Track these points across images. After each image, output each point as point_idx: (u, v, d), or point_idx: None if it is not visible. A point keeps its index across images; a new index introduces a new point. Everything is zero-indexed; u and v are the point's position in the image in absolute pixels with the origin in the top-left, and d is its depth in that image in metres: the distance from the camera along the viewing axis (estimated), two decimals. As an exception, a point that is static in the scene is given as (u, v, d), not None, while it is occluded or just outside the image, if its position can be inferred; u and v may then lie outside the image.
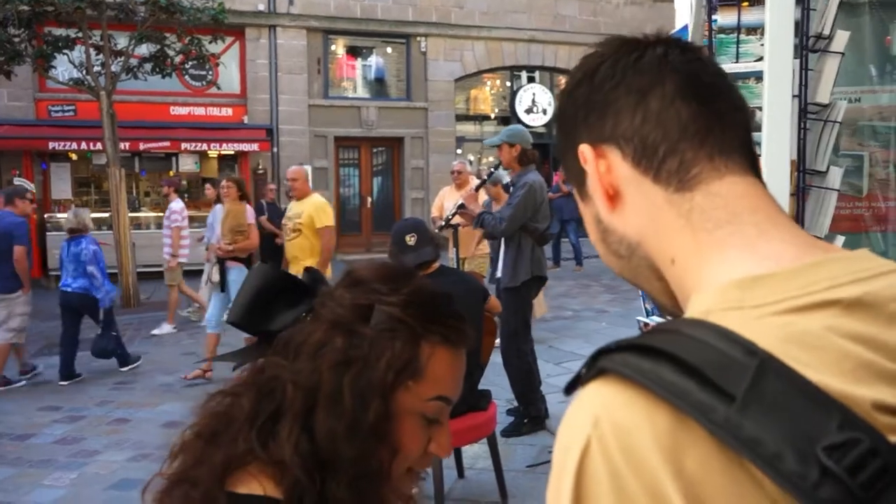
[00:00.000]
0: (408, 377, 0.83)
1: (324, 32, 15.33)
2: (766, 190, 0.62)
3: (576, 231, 12.99)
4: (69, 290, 6.56)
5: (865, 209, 2.35)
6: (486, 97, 17.33)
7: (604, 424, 0.48)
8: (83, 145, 12.82)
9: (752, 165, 0.63)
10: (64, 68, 11.36)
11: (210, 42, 11.34)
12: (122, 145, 11.21)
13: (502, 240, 4.95)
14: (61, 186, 13.61)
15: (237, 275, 6.41)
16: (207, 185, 9.84)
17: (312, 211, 6.02)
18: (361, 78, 16.28)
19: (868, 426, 0.44)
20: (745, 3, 1.57)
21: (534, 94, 17.02)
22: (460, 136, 16.56)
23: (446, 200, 7.59)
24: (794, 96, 1.31)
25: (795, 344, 0.48)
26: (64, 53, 10.63)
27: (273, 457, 0.81)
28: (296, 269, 5.92)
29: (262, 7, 14.69)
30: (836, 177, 1.35)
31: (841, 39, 1.38)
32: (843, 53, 1.37)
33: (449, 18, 15.89)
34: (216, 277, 6.64)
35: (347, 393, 0.81)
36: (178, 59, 11.40)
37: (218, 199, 7.29)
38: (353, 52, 16.09)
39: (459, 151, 16.51)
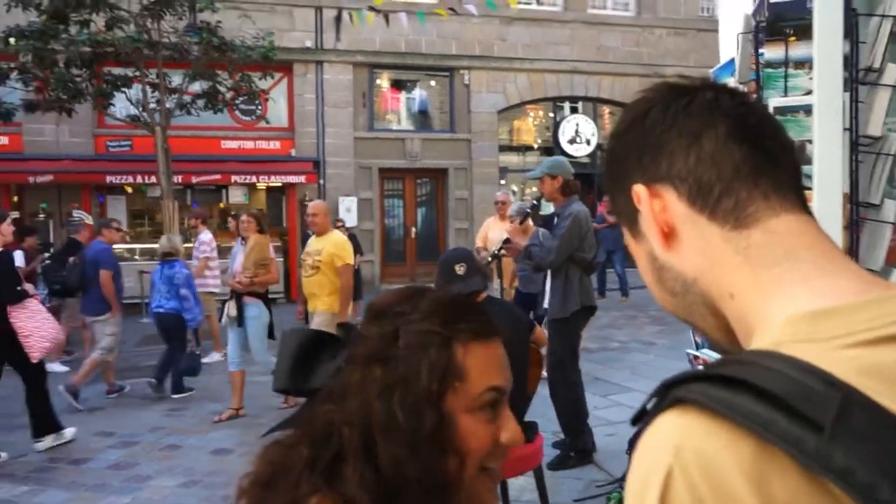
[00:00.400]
0: (452, 380, 0.86)
1: (369, 67, 15.66)
2: (819, 226, 0.64)
3: (622, 261, 12.87)
4: (162, 310, 7.00)
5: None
6: (528, 128, 17.42)
7: (685, 453, 0.49)
8: (138, 178, 13.28)
9: (803, 203, 0.65)
10: (122, 105, 11.83)
11: (259, 78, 11.71)
12: (175, 178, 11.58)
13: (548, 272, 4.95)
14: (117, 218, 14.08)
15: (256, 311, 6.38)
16: (230, 219, 10.07)
17: (332, 248, 5.95)
18: (406, 110, 16.55)
19: None
20: (793, 38, 1.57)
21: (577, 125, 17.04)
22: (503, 167, 16.63)
23: (491, 231, 7.65)
24: (844, 129, 1.31)
25: (871, 376, 0.49)
26: (122, 91, 11.09)
27: (338, 494, 0.82)
28: (313, 306, 6.02)
29: (309, 44, 15.10)
30: (890, 209, 1.33)
31: (891, 72, 1.38)
32: (893, 86, 1.36)
33: (492, 51, 16.09)
34: (233, 312, 6.39)
35: (399, 414, 0.83)
36: (229, 95, 11.78)
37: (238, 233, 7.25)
38: (398, 85, 16.39)
39: (503, 182, 16.57)
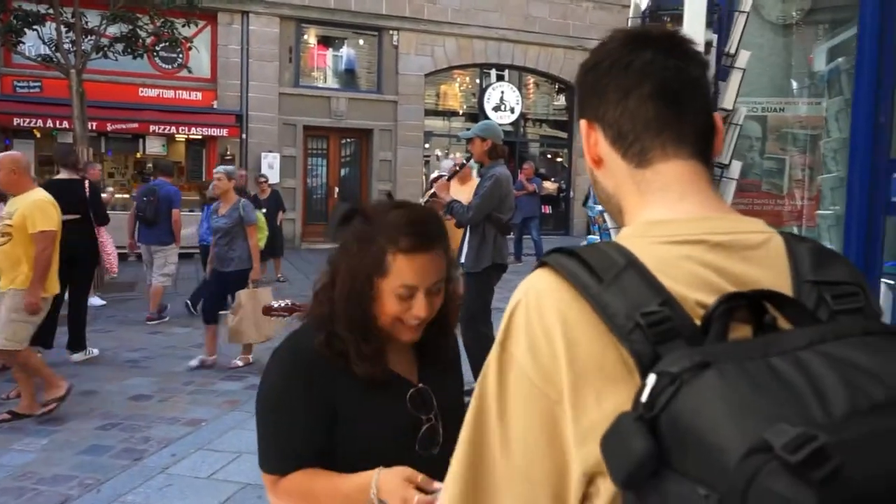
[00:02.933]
0: (379, 273, 1.40)
1: (297, 21, 15.41)
2: (704, 171, 0.86)
3: (538, 228, 13.35)
4: (207, 243, 7.92)
5: (785, 206, 2.66)
6: (455, 93, 17.59)
7: (530, 291, 0.78)
8: (49, 123, 12.74)
9: (700, 153, 0.86)
10: (32, 44, 11.28)
11: (182, 25, 11.37)
12: (89, 125, 11.19)
13: (467, 228, 5.22)
14: (24, 163, 13.49)
15: None
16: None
17: (26, 210, 4.91)
18: (332, 68, 16.40)
19: (679, 307, 0.70)
20: (669, 25, 1.84)
21: (502, 93, 17.33)
22: (428, 131, 16.79)
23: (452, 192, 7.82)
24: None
25: (662, 260, 0.74)
26: (34, 29, 10.57)
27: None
28: (4, 283, 4.88)
29: (235, -8, 14.72)
30: (736, 168, 1.63)
31: (743, 57, 1.66)
32: (744, 70, 1.65)
33: (422, 14, 16.10)
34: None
35: (347, 278, 1.42)
36: (149, 41, 11.40)
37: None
38: (325, 42, 16.20)
39: (427, 145, 16.74)
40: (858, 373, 0.59)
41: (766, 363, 0.61)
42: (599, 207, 2.85)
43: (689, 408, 0.59)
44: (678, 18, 1.71)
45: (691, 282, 0.73)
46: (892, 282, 1.44)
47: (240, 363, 6.42)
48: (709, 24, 1.63)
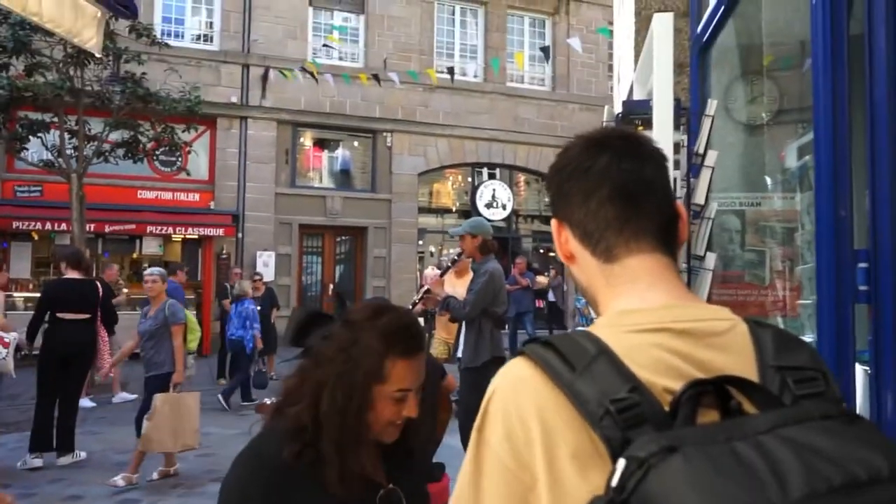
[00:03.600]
0: (377, 381, 1.40)
1: (293, 125, 15.93)
2: (669, 262, 0.93)
3: (532, 322, 13.36)
4: (235, 337, 9.37)
5: (768, 296, 2.72)
6: (448, 191, 17.98)
7: (507, 379, 0.83)
8: (48, 225, 12.92)
9: (663, 244, 0.93)
10: (34, 150, 11.60)
11: (183, 131, 11.76)
12: (87, 227, 11.36)
13: (463, 323, 5.27)
14: (21, 265, 13.56)
15: None
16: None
17: None
18: (328, 169, 16.82)
19: (648, 393, 0.74)
20: (640, 128, 1.96)
21: (494, 190, 17.73)
22: (422, 228, 17.05)
23: (446, 286, 7.89)
24: (676, 199, 1.67)
25: (630, 348, 0.79)
26: (38, 136, 10.89)
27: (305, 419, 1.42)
28: None
29: (234, 99, 15.27)
30: (710, 260, 1.70)
31: (711, 156, 1.77)
32: (712, 167, 1.75)
33: (414, 116, 16.68)
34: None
35: (338, 394, 1.39)
36: (150, 146, 11.73)
37: None
38: (321, 144, 16.69)
39: (421, 242, 16.96)
40: (818, 457, 0.62)
41: (729, 447, 0.64)
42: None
43: (657, 492, 0.62)
44: (648, 122, 1.83)
45: (659, 368, 0.78)
46: (867, 368, 1.48)
47: (155, 476, 5.90)
48: (676, 127, 1.74)
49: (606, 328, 0.84)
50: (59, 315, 6.53)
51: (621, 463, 0.66)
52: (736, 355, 0.82)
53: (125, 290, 11.87)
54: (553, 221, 0.99)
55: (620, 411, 0.71)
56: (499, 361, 5.27)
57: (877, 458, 0.61)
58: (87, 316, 6.59)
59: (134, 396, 9.26)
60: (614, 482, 0.65)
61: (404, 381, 1.41)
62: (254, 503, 1.37)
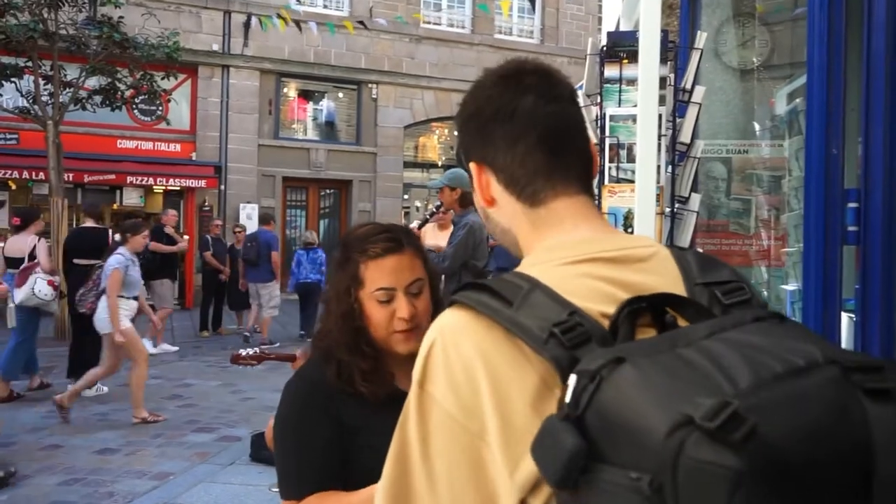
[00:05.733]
0: (356, 284, 1.49)
1: (277, 75, 15.61)
2: (590, 201, 0.94)
3: (517, 277, 13.37)
4: (309, 280, 10.43)
5: (752, 246, 2.68)
6: (433, 145, 17.80)
7: (444, 329, 0.81)
8: (25, 174, 12.67)
9: (585, 186, 0.94)
10: (9, 96, 11.29)
11: (162, 78, 11.46)
12: (65, 176, 11.14)
13: (443, 276, 5.21)
14: (-1, 215, 13.36)
15: None
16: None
17: None
18: (312, 120, 16.56)
19: (587, 317, 0.74)
20: (626, 61, 1.88)
21: (480, 144, 17.56)
22: (407, 182, 16.91)
23: (428, 239, 7.84)
24: (661, 136, 1.59)
25: (563, 279, 0.80)
26: (11, 81, 10.59)
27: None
28: None
29: (216, 47, 14.91)
30: (695, 201, 1.64)
31: (699, 92, 1.69)
32: (700, 104, 1.68)
33: (400, 68, 16.39)
34: None
35: (334, 302, 1.53)
36: (128, 93, 11.45)
37: None
38: (305, 95, 16.39)
39: (406, 196, 16.84)
40: (758, 352, 0.65)
41: (674, 354, 0.66)
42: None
43: (612, 399, 0.63)
44: (633, 55, 1.75)
45: (592, 295, 0.79)
46: (853, 315, 1.44)
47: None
48: (663, 61, 1.66)
49: (535, 266, 0.84)
50: (75, 261, 7.37)
51: (573, 379, 0.66)
52: (663, 277, 0.84)
53: (186, 237, 12.21)
54: (472, 165, 0.96)
55: (564, 332, 0.72)
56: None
57: (810, 347, 0.66)
58: (98, 262, 6.82)
59: (176, 349, 9.70)
60: (568, 398, 0.65)
61: (379, 281, 1.47)
62: (312, 423, 1.50)
